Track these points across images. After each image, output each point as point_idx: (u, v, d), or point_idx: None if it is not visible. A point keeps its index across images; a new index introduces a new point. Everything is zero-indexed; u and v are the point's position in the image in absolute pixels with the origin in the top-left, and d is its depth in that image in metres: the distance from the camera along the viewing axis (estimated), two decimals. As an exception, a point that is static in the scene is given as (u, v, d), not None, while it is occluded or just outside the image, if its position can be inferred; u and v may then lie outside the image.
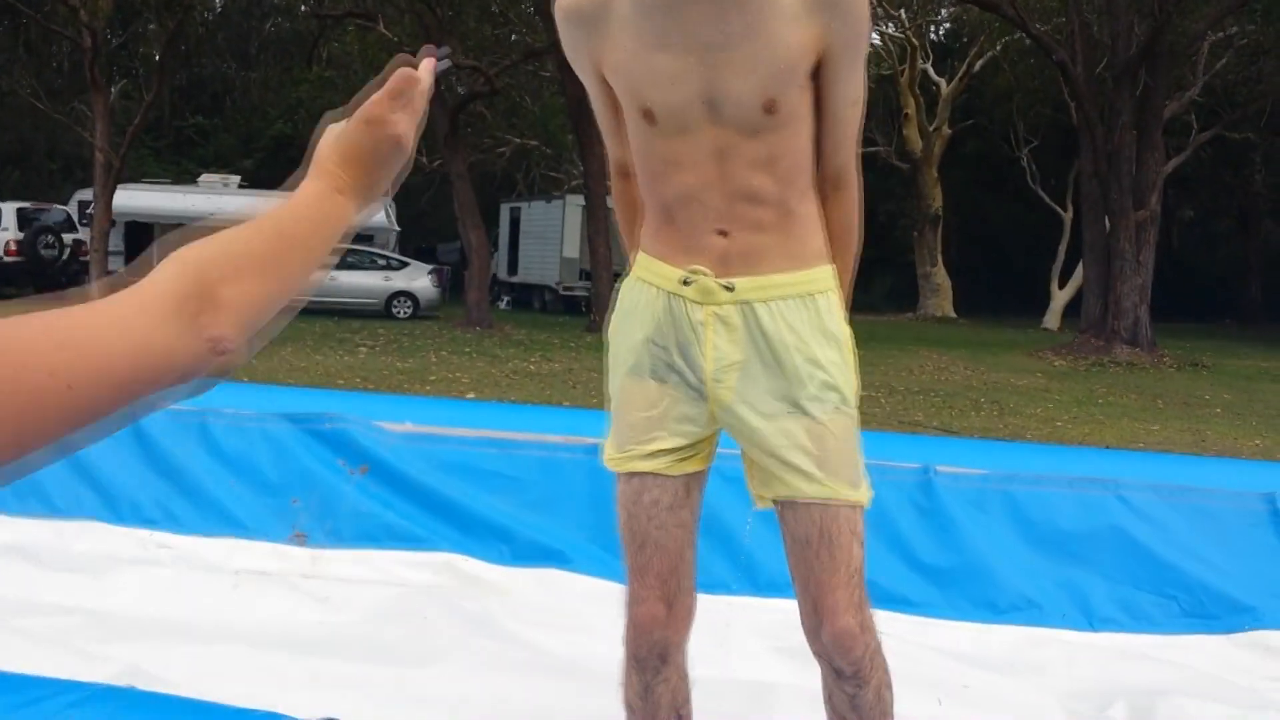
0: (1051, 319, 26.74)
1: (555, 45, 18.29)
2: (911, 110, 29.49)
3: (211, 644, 2.80)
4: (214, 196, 25.06)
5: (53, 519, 3.88)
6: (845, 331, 1.86)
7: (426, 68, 1.11)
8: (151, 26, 25.34)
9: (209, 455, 3.96)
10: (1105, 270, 18.54)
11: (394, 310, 21.24)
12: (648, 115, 1.71)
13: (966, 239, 32.94)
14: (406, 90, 1.07)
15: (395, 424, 4.06)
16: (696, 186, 1.74)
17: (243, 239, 0.96)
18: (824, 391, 1.79)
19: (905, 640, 3.15)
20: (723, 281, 1.77)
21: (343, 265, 21.74)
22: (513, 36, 25.16)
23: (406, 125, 1.07)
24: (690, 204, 1.77)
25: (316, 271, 1.01)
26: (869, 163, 32.23)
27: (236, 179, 26.59)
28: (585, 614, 3.09)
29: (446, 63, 1.16)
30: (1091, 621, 3.35)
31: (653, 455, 1.86)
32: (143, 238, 26.75)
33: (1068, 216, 27.59)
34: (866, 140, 31.43)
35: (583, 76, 1.83)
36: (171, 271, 0.88)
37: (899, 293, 31.45)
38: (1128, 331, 17.69)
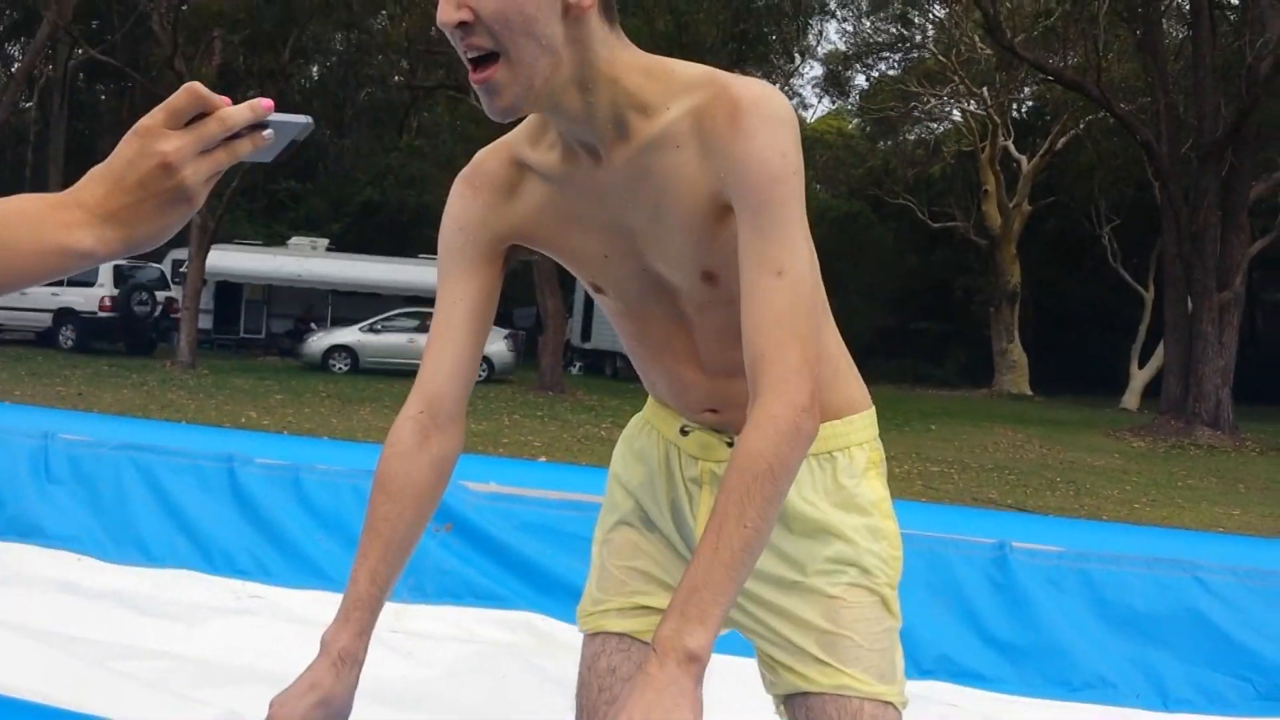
0: (1130, 399, 26.26)
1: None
2: (991, 186, 29.43)
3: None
4: (302, 259, 25.84)
5: (150, 568, 4.06)
6: (874, 493, 1.53)
7: (247, 105, 0.93)
8: (251, 93, 26.44)
9: (300, 509, 4.13)
10: (1187, 351, 18.26)
11: (470, 373, 21.59)
12: (595, 287, 1.48)
13: (1044, 316, 32.56)
14: (186, 108, 0.89)
15: (479, 484, 4.19)
16: (671, 360, 1.49)
17: None
18: (836, 566, 1.48)
19: (980, 714, 3.17)
20: (724, 437, 1.50)
21: (423, 329, 22.22)
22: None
23: (181, 150, 0.88)
24: (673, 384, 1.52)
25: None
26: (946, 238, 32.20)
27: (325, 242, 27.38)
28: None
29: (300, 121, 0.97)
30: (1166, 702, 3.33)
31: (630, 613, 1.57)
32: (232, 296, 27.64)
33: (1149, 295, 27.19)
34: (945, 215, 31.45)
35: (454, 266, 1.44)
36: None
37: (974, 368, 31.14)
38: (1209, 414, 17.35)
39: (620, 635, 1.55)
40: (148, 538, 4.09)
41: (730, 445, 1.44)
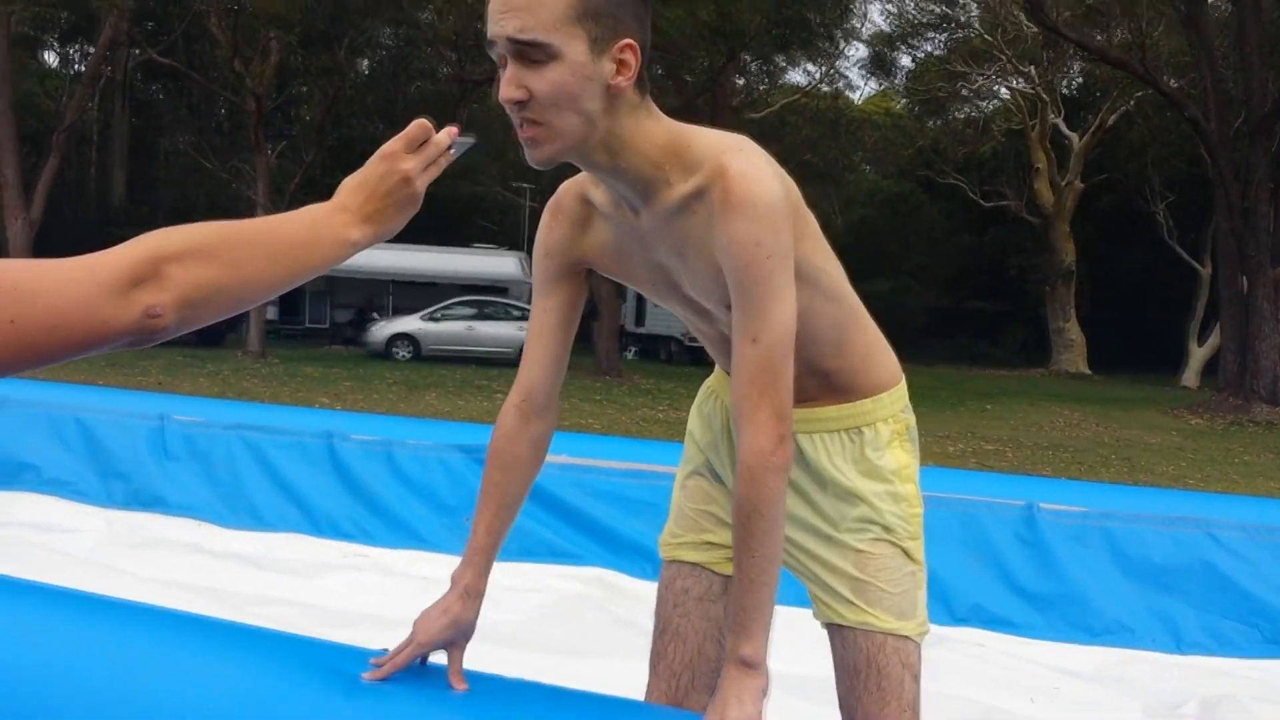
0: (1190, 376, 26.09)
1: (685, 106, 18.73)
2: (1042, 165, 29.27)
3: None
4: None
5: (263, 532, 4.55)
6: (896, 462, 1.76)
7: (446, 132, 1.29)
8: (304, 88, 27.02)
9: (395, 479, 4.59)
10: (1243, 328, 18.16)
11: (535, 356, 22.00)
12: (653, 302, 1.75)
13: (1101, 294, 32.36)
14: (419, 138, 1.24)
15: (551, 455, 4.61)
16: (724, 356, 1.76)
17: (210, 230, 1.07)
18: (862, 525, 1.73)
19: (1006, 653, 3.54)
20: None
21: (481, 316, 22.77)
22: (646, 95, 26.01)
23: (416, 167, 1.23)
24: (726, 364, 1.78)
25: (291, 275, 1.12)
26: (999, 216, 32.11)
27: (384, 233, 27.95)
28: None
29: (469, 142, 1.33)
30: (1179, 645, 3.68)
31: (701, 546, 1.86)
32: (296, 288, 28.38)
33: (1206, 272, 26.96)
34: (996, 194, 31.22)
35: (548, 275, 1.72)
36: (131, 246, 1.00)
37: (1031, 347, 31.06)
38: (1266, 390, 17.31)
39: (693, 564, 1.84)
40: (260, 505, 4.58)
41: None
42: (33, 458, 5.07)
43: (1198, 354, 26.29)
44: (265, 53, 21.44)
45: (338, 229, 1.17)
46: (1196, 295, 27.49)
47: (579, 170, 1.61)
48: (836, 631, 1.75)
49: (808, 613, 1.80)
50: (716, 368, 1.91)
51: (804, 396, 1.69)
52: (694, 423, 1.95)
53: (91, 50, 28.81)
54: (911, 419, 1.83)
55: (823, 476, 1.74)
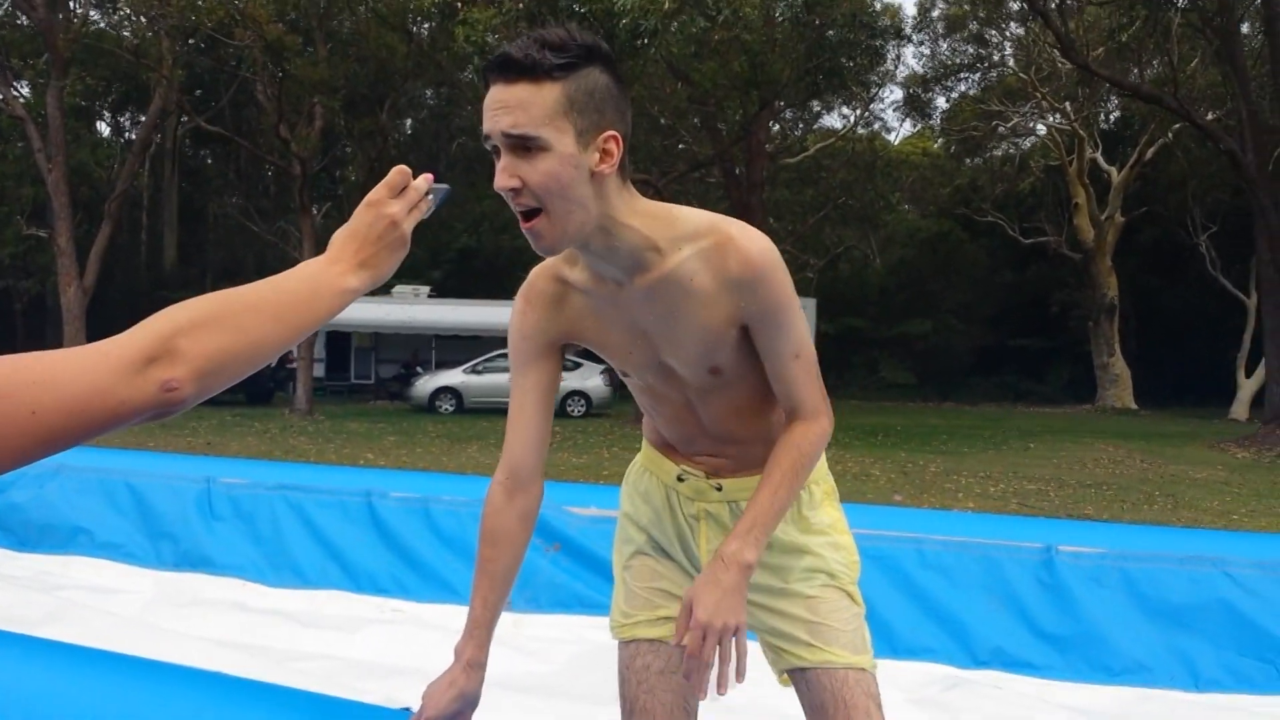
0: (1239, 408, 25.68)
1: (720, 155, 19.01)
2: (1081, 200, 29.14)
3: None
4: (406, 306, 26.92)
5: (306, 589, 4.72)
6: (829, 517, 1.97)
7: (423, 178, 1.35)
8: (348, 149, 27.64)
9: (432, 535, 4.76)
10: (1288, 358, 17.99)
11: (568, 409, 22.13)
12: (625, 374, 1.90)
13: (1146, 328, 32.04)
14: (400, 184, 1.31)
15: (581, 508, 4.77)
16: (681, 426, 1.92)
17: (216, 300, 1.10)
18: (809, 573, 1.91)
19: (1024, 694, 3.61)
20: (712, 483, 1.92)
21: (523, 367, 22.99)
22: (680, 146, 26.38)
23: (401, 210, 1.29)
24: (680, 435, 1.94)
25: (297, 330, 1.15)
26: (1040, 253, 31.97)
27: (426, 289, 28.43)
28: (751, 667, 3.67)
29: (444, 189, 1.38)
30: (1197, 683, 3.73)
31: (656, 622, 1.95)
32: (343, 345, 28.89)
33: (1251, 303, 26.62)
34: (1036, 231, 31.03)
35: (525, 358, 1.86)
36: (142, 327, 1.04)
37: (1077, 384, 30.76)
38: (1315, 421, 17.08)
39: (650, 640, 1.94)
40: (302, 563, 4.76)
41: (718, 490, 1.90)
42: (87, 522, 5.30)
43: (1246, 386, 25.87)
44: (310, 118, 22.00)
45: (335, 280, 1.22)
46: (1243, 326, 27.12)
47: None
48: (800, 676, 1.88)
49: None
50: (648, 449, 2.04)
51: (747, 466, 1.88)
52: (628, 505, 2.07)
53: (142, 119, 29.66)
54: (833, 481, 2.04)
55: (772, 539, 1.84)
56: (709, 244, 1.68)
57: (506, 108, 1.53)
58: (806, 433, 1.77)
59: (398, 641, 4.06)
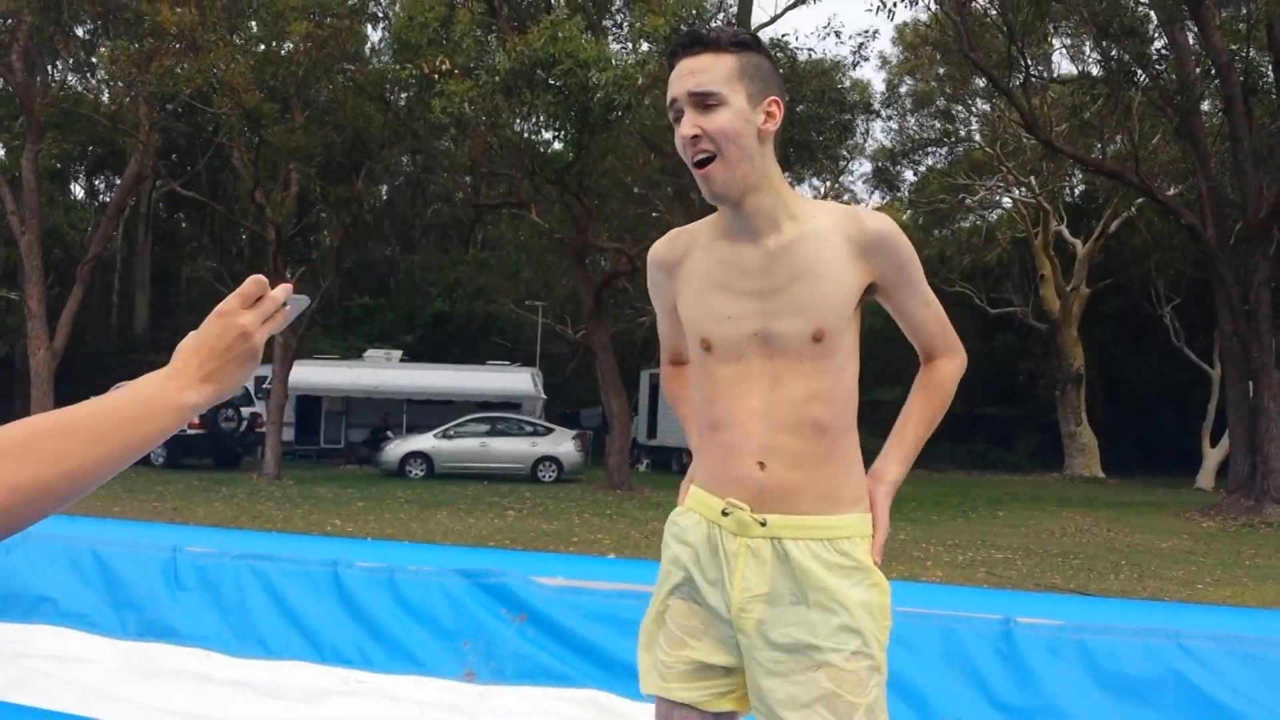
0: (1205, 478, 25.98)
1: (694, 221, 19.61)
2: (1047, 271, 29.66)
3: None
4: (378, 370, 26.89)
5: (270, 660, 4.71)
6: (876, 579, 1.97)
7: (282, 288, 1.26)
8: (323, 215, 27.77)
9: (397, 605, 4.76)
10: (1251, 429, 18.19)
11: (539, 474, 22.13)
12: (706, 345, 1.97)
13: (1112, 397, 32.43)
14: (255, 294, 1.21)
15: (548, 578, 4.80)
16: (744, 413, 1.94)
17: (25, 426, 1.02)
18: (842, 634, 1.90)
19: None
20: (757, 517, 1.93)
21: (493, 433, 22.98)
22: (653, 214, 26.68)
23: (253, 321, 1.20)
24: (734, 428, 1.95)
25: (124, 452, 1.06)
26: (1007, 323, 32.40)
27: (399, 354, 28.43)
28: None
29: (304, 300, 1.31)
30: (1152, 756, 3.77)
31: (688, 676, 2.00)
32: (313, 409, 28.74)
33: (1215, 373, 27.04)
34: (1003, 301, 31.45)
35: (658, 307, 2.16)
36: None
37: (1044, 452, 30.99)
38: (1277, 491, 17.27)
39: (684, 705, 2.01)
40: (266, 634, 4.74)
41: (763, 525, 1.93)
42: (51, 590, 5.27)
43: (1212, 455, 26.18)
44: (286, 184, 22.10)
45: (172, 395, 1.14)
46: (1208, 397, 27.51)
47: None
48: None
49: None
50: (689, 491, 2.10)
51: (790, 496, 1.93)
52: (666, 555, 2.11)
53: (117, 182, 29.70)
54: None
55: (809, 579, 1.91)
56: (841, 213, 1.95)
57: (693, 72, 1.87)
58: (946, 369, 2.09)
59: (360, 713, 4.05)
